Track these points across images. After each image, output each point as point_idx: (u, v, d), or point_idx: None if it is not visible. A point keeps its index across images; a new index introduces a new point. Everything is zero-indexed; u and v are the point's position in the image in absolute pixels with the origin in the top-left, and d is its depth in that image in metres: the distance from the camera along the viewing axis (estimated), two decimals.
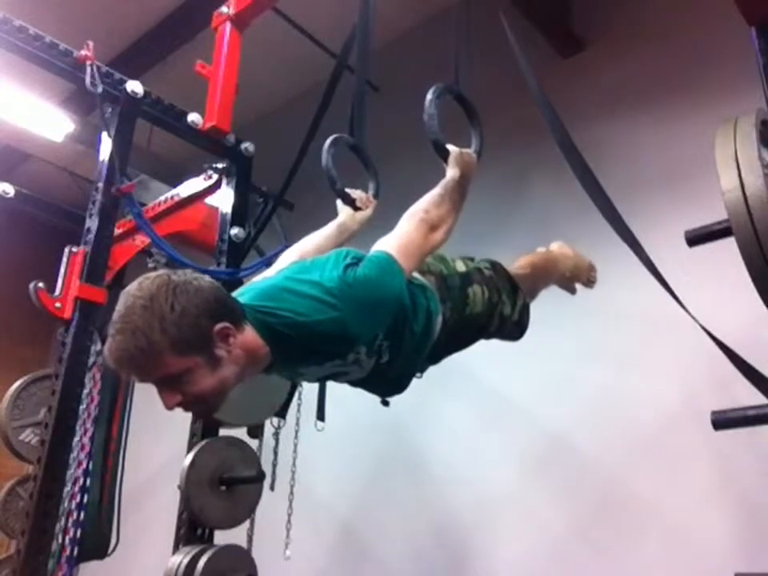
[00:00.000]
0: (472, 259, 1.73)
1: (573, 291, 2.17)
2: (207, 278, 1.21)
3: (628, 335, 2.90)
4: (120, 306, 1.13)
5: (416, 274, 1.52)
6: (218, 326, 1.14)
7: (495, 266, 1.73)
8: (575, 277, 2.10)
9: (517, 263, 1.85)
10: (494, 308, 1.64)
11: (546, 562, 2.91)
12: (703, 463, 2.61)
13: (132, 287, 1.14)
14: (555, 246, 2.10)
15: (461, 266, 1.64)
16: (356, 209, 1.71)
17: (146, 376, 1.13)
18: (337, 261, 1.27)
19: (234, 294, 1.29)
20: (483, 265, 1.71)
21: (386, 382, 1.52)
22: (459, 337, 1.60)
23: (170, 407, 1.16)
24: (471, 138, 1.63)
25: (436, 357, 1.61)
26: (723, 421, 1.18)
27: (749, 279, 1.12)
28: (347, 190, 1.72)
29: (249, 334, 1.19)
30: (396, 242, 1.32)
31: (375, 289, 1.22)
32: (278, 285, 1.29)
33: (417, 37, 4.22)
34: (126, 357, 1.10)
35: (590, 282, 2.15)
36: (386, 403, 1.68)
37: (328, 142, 1.71)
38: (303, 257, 1.57)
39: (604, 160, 2.89)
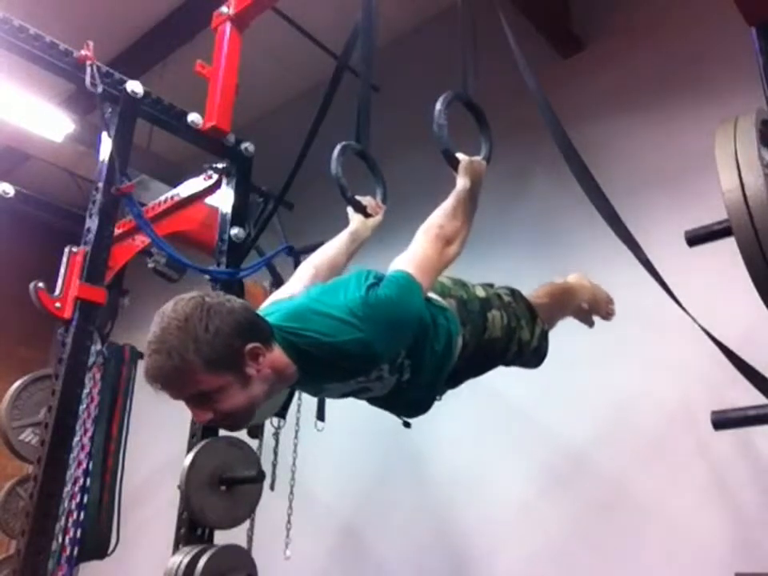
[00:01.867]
0: (491, 285, 1.74)
1: (591, 324, 2.16)
2: (239, 299, 1.26)
3: (628, 336, 2.90)
4: (155, 327, 1.17)
5: (437, 297, 1.55)
6: (249, 345, 1.19)
7: (514, 292, 1.75)
8: (593, 309, 2.11)
9: (534, 292, 1.86)
10: (513, 333, 1.65)
11: (546, 563, 2.91)
12: (704, 464, 2.61)
13: (167, 308, 1.18)
14: (573, 278, 2.11)
15: (480, 292, 1.66)
16: (367, 216, 1.72)
17: (179, 393, 1.18)
18: (359, 282, 1.30)
19: (261, 313, 1.33)
20: (502, 291, 1.73)
21: (407, 402, 1.54)
22: (478, 361, 1.61)
23: (201, 422, 1.22)
24: (481, 144, 1.64)
25: (455, 380, 1.62)
26: (723, 421, 1.18)
27: (749, 279, 1.12)
28: (357, 197, 1.72)
29: (277, 354, 1.24)
30: (413, 259, 1.35)
31: (396, 308, 1.26)
32: (303, 305, 1.34)
33: (417, 37, 4.22)
34: (162, 375, 1.15)
35: (608, 315, 2.15)
36: (407, 425, 1.70)
37: (337, 150, 1.72)
38: (318, 268, 1.61)
39: (603, 160, 2.89)
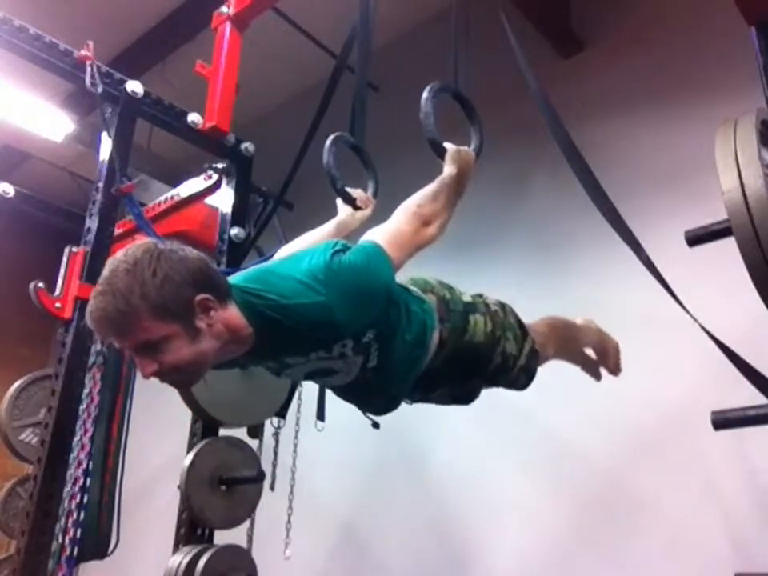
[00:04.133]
0: (481, 296, 1.68)
1: (598, 377, 2.01)
2: (195, 250, 1.21)
3: (628, 335, 2.89)
4: (105, 270, 1.15)
5: (416, 289, 1.52)
6: (200, 296, 1.15)
7: (504, 306, 1.67)
8: (600, 358, 1.97)
9: (534, 321, 1.77)
10: (497, 342, 1.57)
11: (547, 561, 2.91)
12: (703, 463, 2.61)
13: (119, 253, 1.16)
14: (581, 319, 1.98)
15: (467, 297, 1.60)
16: (356, 208, 1.71)
17: (123, 339, 1.14)
18: (326, 248, 1.25)
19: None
20: (491, 301, 1.66)
21: (375, 396, 1.50)
22: (457, 367, 1.54)
23: (146, 375, 1.16)
24: (470, 136, 1.63)
25: (431, 385, 1.57)
26: (723, 421, 1.18)
27: (749, 279, 1.12)
28: (347, 189, 1.72)
29: (233, 312, 1.20)
30: (386, 233, 1.31)
31: (361, 275, 1.21)
32: (266, 269, 1.31)
33: (417, 37, 4.22)
34: (105, 318, 1.12)
35: (615, 368, 1.98)
36: (376, 425, 1.66)
37: (329, 141, 1.71)
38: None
39: (604, 160, 2.89)
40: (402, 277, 1.45)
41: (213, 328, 1.17)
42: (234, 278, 1.28)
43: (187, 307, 1.14)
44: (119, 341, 1.15)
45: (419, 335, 1.43)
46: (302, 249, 1.55)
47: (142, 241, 1.19)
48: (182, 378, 1.21)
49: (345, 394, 1.51)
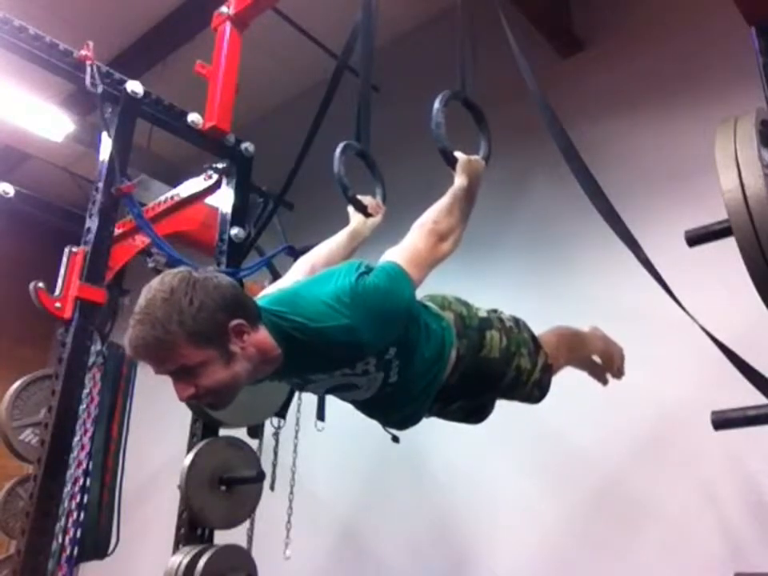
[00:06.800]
0: (495, 311, 1.70)
1: (604, 382, 2.07)
2: (227, 277, 1.27)
3: (628, 335, 2.90)
4: (142, 299, 1.18)
5: (435, 307, 1.55)
6: (234, 322, 1.20)
7: (518, 321, 1.70)
8: (606, 363, 2.02)
9: (543, 331, 1.80)
10: (511, 358, 1.60)
11: (546, 561, 2.91)
12: (703, 463, 2.61)
13: (155, 281, 1.20)
14: (588, 327, 2.04)
15: (482, 313, 1.63)
16: (367, 215, 1.72)
17: (161, 366, 1.18)
18: (349, 270, 1.29)
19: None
20: (506, 317, 1.69)
21: (395, 411, 1.53)
22: (472, 380, 1.57)
23: (183, 399, 1.21)
24: (479, 143, 1.64)
25: (447, 399, 1.59)
26: (723, 421, 1.18)
27: (749, 279, 1.12)
28: (358, 196, 1.72)
29: (263, 334, 1.24)
30: (405, 252, 1.34)
31: (385, 297, 1.25)
32: (292, 292, 1.35)
33: (417, 37, 4.22)
34: (144, 346, 1.16)
35: (618, 373, 2.04)
36: (395, 439, 1.69)
37: (338, 149, 1.72)
38: (315, 265, 1.61)
39: (603, 160, 2.89)
40: (420, 292, 1.47)
41: (246, 351, 1.22)
42: (262, 301, 1.32)
43: (222, 333, 1.19)
44: (157, 367, 1.19)
45: (438, 352, 1.46)
46: (320, 261, 1.61)
47: (176, 270, 1.23)
48: (216, 399, 1.26)
49: (365, 408, 1.54)
